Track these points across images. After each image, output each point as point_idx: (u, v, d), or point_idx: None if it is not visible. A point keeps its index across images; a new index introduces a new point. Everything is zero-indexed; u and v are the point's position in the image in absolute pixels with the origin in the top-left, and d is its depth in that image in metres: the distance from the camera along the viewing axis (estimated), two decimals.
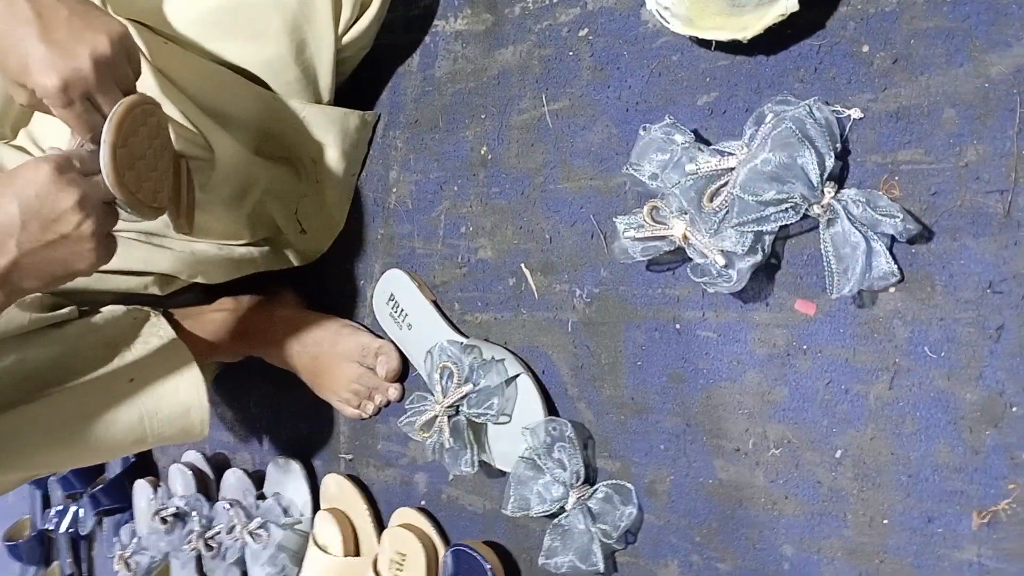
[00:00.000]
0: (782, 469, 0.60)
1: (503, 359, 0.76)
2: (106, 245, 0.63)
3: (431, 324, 0.84)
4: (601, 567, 0.68)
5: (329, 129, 0.87)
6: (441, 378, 0.77)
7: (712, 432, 0.64)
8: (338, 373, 0.91)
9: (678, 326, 0.66)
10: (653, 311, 0.68)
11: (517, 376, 0.75)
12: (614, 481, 0.69)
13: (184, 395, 0.82)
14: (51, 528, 1.45)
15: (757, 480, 0.61)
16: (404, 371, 0.90)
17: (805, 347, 0.59)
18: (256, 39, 0.78)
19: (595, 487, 0.69)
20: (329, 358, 0.92)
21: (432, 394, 0.78)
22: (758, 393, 0.61)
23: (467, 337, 0.82)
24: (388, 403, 0.92)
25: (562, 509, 0.70)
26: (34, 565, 1.56)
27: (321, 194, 0.92)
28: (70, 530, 1.42)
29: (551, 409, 0.75)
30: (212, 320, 0.94)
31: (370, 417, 0.93)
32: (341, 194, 0.93)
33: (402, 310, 0.87)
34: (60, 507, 1.44)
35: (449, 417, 0.76)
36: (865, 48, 0.56)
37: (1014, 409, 0.49)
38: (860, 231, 0.54)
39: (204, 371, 0.84)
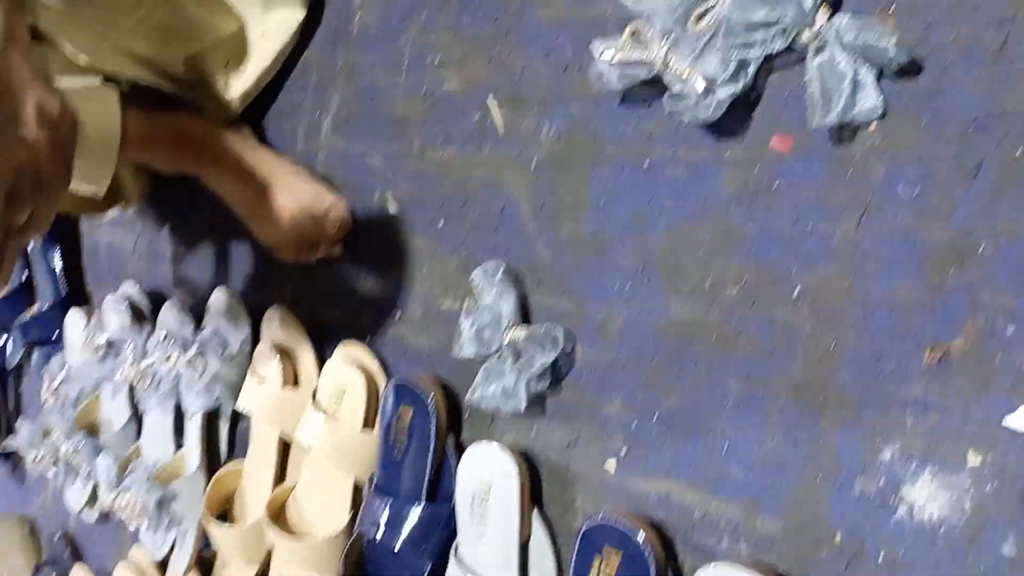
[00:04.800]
0: (737, 308, 0.59)
1: None
2: None
3: None
4: (523, 407, 0.67)
5: None
6: None
7: (670, 272, 0.63)
8: (284, 218, 0.87)
9: (647, 165, 0.64)
10: (623, 148, 0.65)
11: None
12: (544, 324, 0.68)
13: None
14: None
15: (711, 319, 0.60)
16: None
17: (777, 184, 0.57)
18: None
19: (526, 328, 0.68)
20: (276, 201, 0.87)
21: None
22: (722, 233, 0.60)
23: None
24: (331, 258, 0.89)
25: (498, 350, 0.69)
26: None
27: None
28: None
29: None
30: (165, 122, 0.89)
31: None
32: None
33: None
34: None
35: None
36: None
37: (981, 248, 0.48)
38: (849, 61, 0.51)
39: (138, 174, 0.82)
